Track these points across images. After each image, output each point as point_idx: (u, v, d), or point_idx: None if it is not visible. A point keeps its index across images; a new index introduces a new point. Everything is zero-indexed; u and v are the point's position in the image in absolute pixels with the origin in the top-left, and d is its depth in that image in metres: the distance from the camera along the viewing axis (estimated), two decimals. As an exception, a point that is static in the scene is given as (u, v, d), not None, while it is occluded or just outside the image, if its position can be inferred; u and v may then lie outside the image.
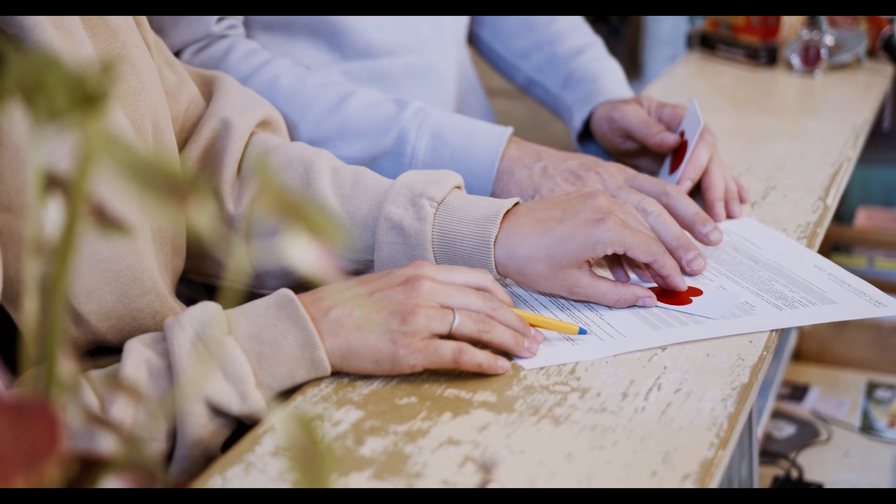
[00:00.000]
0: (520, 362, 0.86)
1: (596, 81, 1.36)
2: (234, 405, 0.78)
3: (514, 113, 2.65)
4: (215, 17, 1.20)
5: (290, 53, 1.26)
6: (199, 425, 0.77)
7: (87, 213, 0.43)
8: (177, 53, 1.19)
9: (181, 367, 0.76)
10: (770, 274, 1.03)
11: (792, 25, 1.88)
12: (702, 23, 1.93)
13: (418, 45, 1.33)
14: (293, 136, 1.19)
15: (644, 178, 1.12)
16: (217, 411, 0.78)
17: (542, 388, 0.82)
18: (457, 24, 1.41)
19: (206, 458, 0.78)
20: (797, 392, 1.81)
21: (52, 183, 0.43)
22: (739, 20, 1.84)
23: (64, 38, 0.83)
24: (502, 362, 0.84)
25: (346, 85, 1.21)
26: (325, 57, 1.28)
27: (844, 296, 0.99)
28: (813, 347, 1.90)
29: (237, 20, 1.23)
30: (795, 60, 1.80)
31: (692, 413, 0.79)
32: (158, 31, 1.14)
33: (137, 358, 0.77)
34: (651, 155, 1.28)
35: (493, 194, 1.15)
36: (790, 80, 1.79)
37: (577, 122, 1.34)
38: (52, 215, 0.42)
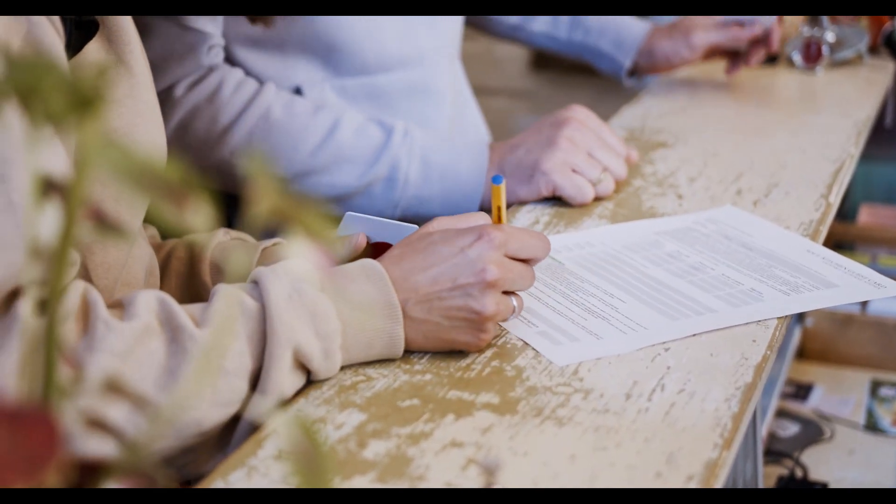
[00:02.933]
0: (552, 357, 0.86)
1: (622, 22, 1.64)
2: (316, 361, 0.80)
3: (513, 110, 2.64)
4: (206, 48, 1.20)
5: (283, 72, 1.26)
6: (284, 372, 0.78)
7: (84, 216, 0.43)
8: (169, 88, 1.20)
9: (276, 312, 0.78)
10: (767, 261, 1.03)
11: (793, 22, 1.88)
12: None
13: (415, 59, 1.34)
14: (287, 165, 1.22)
15: (609, 133, 1.23)
16: (299, 363, 0.80)
17: (544, 390, 0.82)
18: (454, 35, 1.42)
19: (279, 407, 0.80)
20: (801, 391, 1.80)
21: (50, 187, 0.43)
22: (740, 18, 1.83)
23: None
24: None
25: (332, 111, 1.23)
26: (318, 74, 1.28)
27: (844, 279, 0.99)
28: (816, 346, 1.89)
29: (220, 41, 1.23)
30: (797, 57, 1.79)
31: (696, 413, 0.78)
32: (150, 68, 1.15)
33: (230, 297, 0.79)
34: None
35: (484, 207, 1.22)
36: (792, 76, 1.78)
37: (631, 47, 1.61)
38: (48, 219, 0.42)
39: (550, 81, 2.50)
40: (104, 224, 0.45)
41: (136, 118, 0.87)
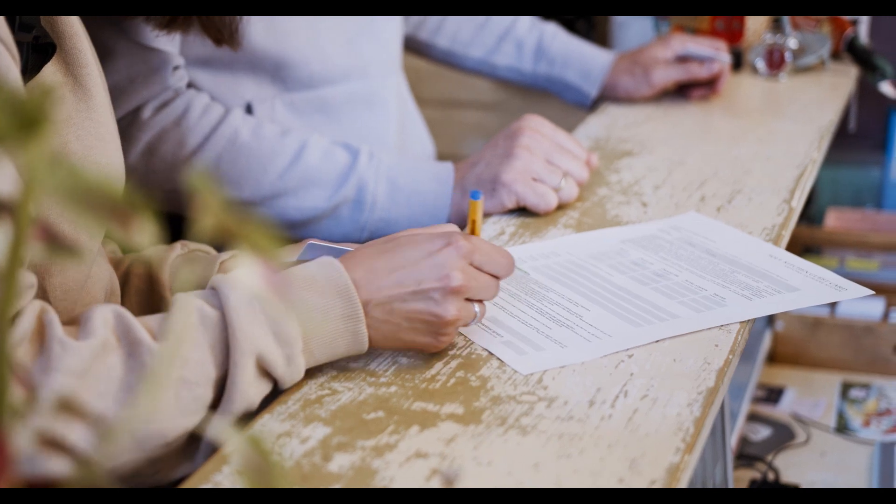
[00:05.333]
0: (516, 366, 0.87)
1: (582, 52, 1.66)
2: (279, 367, 0.80)
3: (484, 124, 2.65)
4: (170, 68, 1.20)
5: (232, 90, 1.27)
6: (248, 381, 0.78)
7: (34, 235, 0.43)
8: (136, 110, 1.20)
9: (237, 320, 0.78)
10: (730, 266, 1.04)
11: (756, 30, 1.90)
12: (667, 30, 1.94)
13: (359, 71, 1.36)
14: (255, 189, 1.21)
15: (564, 138, 1.24)
16: (263, 370, 0.80)
17: (508, 399, 0.82)
18: (395, 46, 1.44)
19: (247, 415, 0.81)
20: (772, 394, 1.81)
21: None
22: (704, 26, 1.85)
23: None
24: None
25: (299, 134, 1.24)
26: (268, 91, 1.29)
27: (806, 282, 1.00)
28: (787, 349, 1.90)
29: (181, 61, 1.23)
30: (760, 64, 1.81)
31: (658, 419, 0.79)
32: (116, 90, 1.14)
33: (188, 306, 0.79)
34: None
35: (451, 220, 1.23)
36: (755, 83, 1.80)
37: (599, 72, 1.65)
38: (-2, 240, 0.42)
39: (520, 94, 2.51)
40: (57, 245, 0.46)
41: (94, 140, 0.87)
